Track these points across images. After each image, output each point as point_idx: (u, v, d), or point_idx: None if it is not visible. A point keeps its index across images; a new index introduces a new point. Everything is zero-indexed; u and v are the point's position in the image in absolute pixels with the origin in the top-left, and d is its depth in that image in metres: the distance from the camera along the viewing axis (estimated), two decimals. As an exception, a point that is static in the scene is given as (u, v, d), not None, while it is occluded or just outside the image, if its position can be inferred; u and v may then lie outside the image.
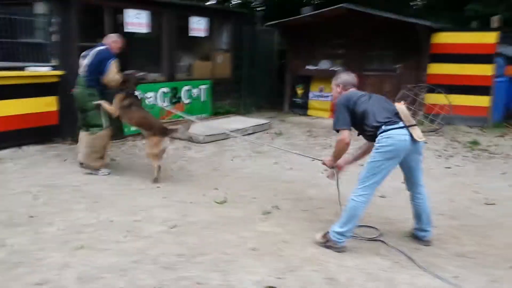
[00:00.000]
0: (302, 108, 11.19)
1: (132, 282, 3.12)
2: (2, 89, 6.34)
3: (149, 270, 3.31)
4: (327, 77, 10.46)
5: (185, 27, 9.52)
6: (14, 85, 6.47)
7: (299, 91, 11.22)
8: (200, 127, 8.58)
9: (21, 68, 6.72)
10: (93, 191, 5.17)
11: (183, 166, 6.55)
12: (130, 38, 9.28)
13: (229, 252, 3.64)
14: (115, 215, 4.43)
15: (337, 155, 3.99)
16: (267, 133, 9.07)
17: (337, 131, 3.83)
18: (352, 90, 3.99)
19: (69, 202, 4.77)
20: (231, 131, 8.39)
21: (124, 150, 7.24)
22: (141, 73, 6.35)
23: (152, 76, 9.18)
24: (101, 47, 5.80)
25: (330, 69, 10.53)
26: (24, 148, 6.69)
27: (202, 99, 10.18)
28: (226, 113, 10.64)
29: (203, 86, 10.15)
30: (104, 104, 5.77)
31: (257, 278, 3.20)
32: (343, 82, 4.03)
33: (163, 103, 9.10)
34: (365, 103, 3.74)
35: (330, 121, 10.62)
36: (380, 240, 4.00)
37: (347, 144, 3.77)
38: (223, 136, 8.27)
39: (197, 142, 7.87)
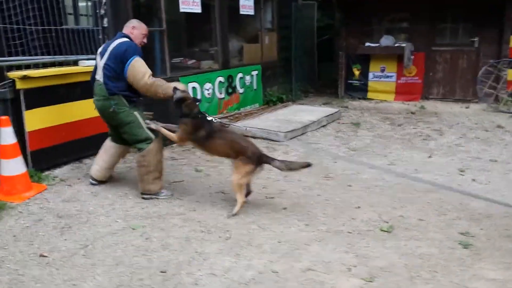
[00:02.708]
0: (360, 91, 10.03)
1: None
2: (54, 90, 4.99)
3: None
4: (390, 55, 9.39)
5: (233, 6, 8.22)
6: (67, 84, 5.11)
7: (356, 72, 10.03)
8: (272, 122, 7.44)
9: (74, 63, 5.39)
10: (210, 221, 3.97)
11: (285, 173, 5.35)
12: (183, 22, 8.00)
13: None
14: (271, 261, 3.28)
15: None
16: (342, 123, 7.91)
17: None
18: None
19: (194, 241, 3.59)
20: (307, 125, 7.28)
21: (188, 160, 5.95)
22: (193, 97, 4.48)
23: (206, 63, 7.92)
24: (119, 40, 4.24)
25: (395, 45, 9.34)
26: (86, 161, 5.44)
27: (254, 87, 8.95)
28: (278, 101, 9.42)
29: (254, 72, 8.93)
30: (162, 129, 4.30)
31: None
32: None
33: (220, 95, 7.85)
34: None
35: (401, 105, 9.69)
36: None
37: None
38: (301, 131, 7.11)
39: (276, 141, 6.66)
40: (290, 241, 3.60)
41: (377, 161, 5.80)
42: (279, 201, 4.49)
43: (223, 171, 5.41)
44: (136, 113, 4.31)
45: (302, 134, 7.09)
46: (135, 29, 4.34)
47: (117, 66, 4.16)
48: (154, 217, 4.08)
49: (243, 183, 4.13)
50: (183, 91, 4.25)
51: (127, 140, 4.48)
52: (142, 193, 4.46)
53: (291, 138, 6.79)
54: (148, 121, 4.35)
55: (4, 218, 3.94)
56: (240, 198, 4.11)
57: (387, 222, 3.93)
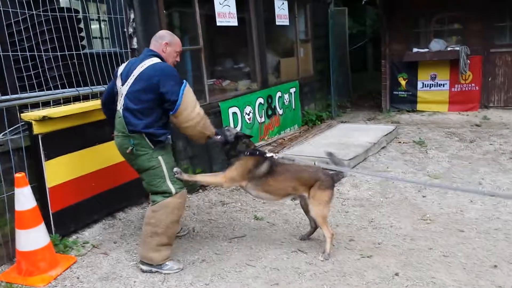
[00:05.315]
0: (408, 102, 8.97)
1: None
2: (79, 132, 3.93)
3: None
4: (441, 60, 8.34)
5: (268, 17, 7.22)
6: (94, 123, 4.04)
7: (402, 82, 8.97)
8: (326, 147, 6.38)
9: (101, 95, 4.36)
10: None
11: (366, 215, 4.29)
12: (215, 39, 7.02)
13: None
14: None
15: None
16: (403, 142, 6.83)
17: None
18: None
19: None
20: (368, 148, 6.23)
21: (242, 204, 4.81)
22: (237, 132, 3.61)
23: (243, 84, 6.92)
24: (150, 60, 3.18)
25: (448, 49, 8.30)
26: (120, 215, 4.40)
27: (293, 106, 7.92)
28: (317, 120, 8.38)
29: (292, 90, 7.90)
30: (198, 176, 3.62)
31: None
32: None
33: (261, 118, 6.83)
34: None
35: (459, 116, 8.57)
36: None
37: None
38: (363, 156, 6.05)
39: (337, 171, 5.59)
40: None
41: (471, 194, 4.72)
42: (383, 262, 3.41)
43: (288, 217, 4.36)
44: (160, 158, 3.23)
45: (364, 159, 6.04)
46: (168, 46, 3.31)
47: (147, 97, 3.12)
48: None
49: (327, 213, 3.57)
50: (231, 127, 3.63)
51: (145, 188, 3.40)
52: (141, 261, 3.36)
53: (354, 166, 5.73)
54: (177, 169, 3.29)
55: (26, 316, 2.90)
56: (328, 232, 3.54)
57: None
